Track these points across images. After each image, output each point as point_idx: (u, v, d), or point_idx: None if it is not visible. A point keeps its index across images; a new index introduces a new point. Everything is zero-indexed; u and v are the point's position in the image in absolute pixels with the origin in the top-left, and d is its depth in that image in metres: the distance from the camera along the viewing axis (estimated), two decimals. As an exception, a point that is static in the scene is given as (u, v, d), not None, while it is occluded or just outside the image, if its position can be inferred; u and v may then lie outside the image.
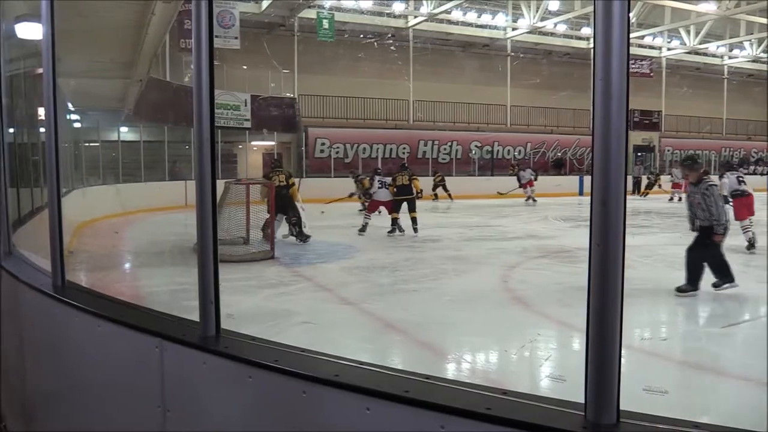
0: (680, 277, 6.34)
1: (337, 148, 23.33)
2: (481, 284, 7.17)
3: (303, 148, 22.79)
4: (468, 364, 4.65)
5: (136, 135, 18.80)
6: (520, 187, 21.31)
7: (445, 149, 25.22)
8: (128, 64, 11.69)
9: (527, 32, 26.02)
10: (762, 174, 25.56)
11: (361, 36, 23.70)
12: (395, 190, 11.16)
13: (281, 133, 22.40)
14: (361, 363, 1.56)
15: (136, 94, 15.53)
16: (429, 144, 24.98)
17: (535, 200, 20.59)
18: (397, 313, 5.86)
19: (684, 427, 1.11)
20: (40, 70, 2.71)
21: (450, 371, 4.45)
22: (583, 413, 1.12)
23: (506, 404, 1.25)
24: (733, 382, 4.22)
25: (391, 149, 24.14)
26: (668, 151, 29.69)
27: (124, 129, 18.86)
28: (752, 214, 9.18)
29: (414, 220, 11.12)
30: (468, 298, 6.53)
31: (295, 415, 1.57)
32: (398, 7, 24.23)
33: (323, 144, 23.20)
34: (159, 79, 17.82)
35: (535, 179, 21.38)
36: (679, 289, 6.28)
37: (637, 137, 28.15)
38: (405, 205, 11.11)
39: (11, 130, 4.61)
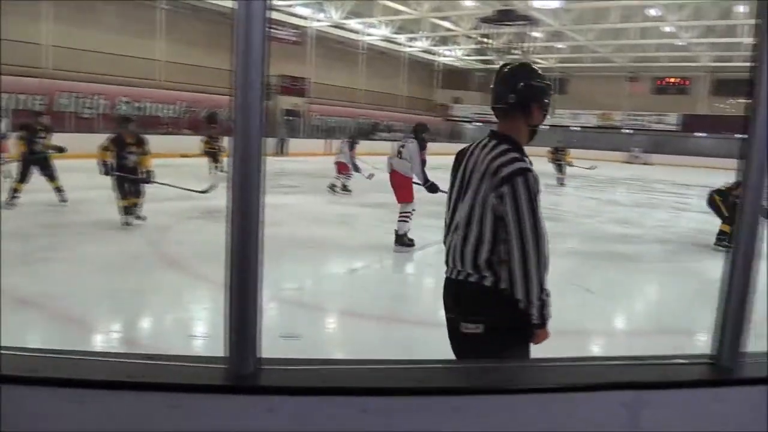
0: (325, 233, 6.93)
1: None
2: (130, 249, 6.80)
3: None
4: (117, 334, 4.41)
5: None
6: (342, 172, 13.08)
7: (88, 103, 22.87)
8: None
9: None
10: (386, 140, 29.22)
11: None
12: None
13: None
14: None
15: None
16: (70, 97, 22.34)
17: (347, 190, 13.14)
18: (34, 286, 5.20)
19: (317, 365, 1.24)
20: None
21: (99, 343, 4.17)
22: (226, 366, 1.16)
23: (150, 369, 1.22)
24: (363, 320, 4.83)
25: (21, 100, 20.88)
26: (314, 116, 31.95)
27: None
28: None
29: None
30: (117, 264, 6.15)
31: None
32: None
33: None
34: None
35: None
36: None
37: (287, 102, 29.59)
38: None
39: None
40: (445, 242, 2.20)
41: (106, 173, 7.75)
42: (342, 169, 12.92)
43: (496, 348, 1.99)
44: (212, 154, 14.82)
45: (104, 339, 4.29)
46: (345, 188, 13.05)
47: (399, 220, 7.22)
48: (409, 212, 7.22)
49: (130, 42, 23.98)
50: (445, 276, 2.19)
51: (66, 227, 7.84)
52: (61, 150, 9.28)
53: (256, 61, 1.16)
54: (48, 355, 1.32)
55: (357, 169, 12.93)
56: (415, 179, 7.22)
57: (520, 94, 2.04)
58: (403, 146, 7.27)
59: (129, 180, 7.85)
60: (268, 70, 1.17)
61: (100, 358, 1.34)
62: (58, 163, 9.40)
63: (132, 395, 1.16)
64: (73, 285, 5.33)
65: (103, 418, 1.15)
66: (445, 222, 2.22)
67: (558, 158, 17.45)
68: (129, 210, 7.82)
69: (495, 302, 2.01)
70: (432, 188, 7.03)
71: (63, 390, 1.17)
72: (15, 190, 8.87)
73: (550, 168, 16.86)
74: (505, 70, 2.13)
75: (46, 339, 4.22)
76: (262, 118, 1.15)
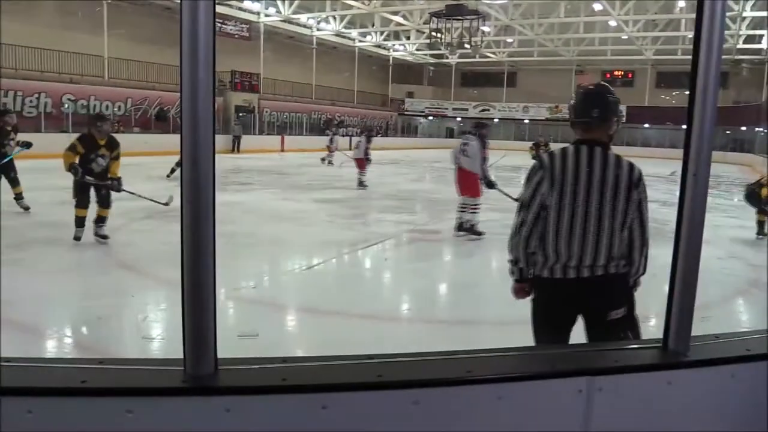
0: (281, 230, 6.84)
1: None
2: (84, 252, 6.61)
3: None
4: (70, 339, 4.28)
5: None
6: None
7: (31, 101, 22.04)
8: None
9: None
10: (346, 135, 29.03)
11: None
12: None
13: None
14: None
15: None
16: (11, 94, 21.48)
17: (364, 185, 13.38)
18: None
19: (273, 364, 1.23)
20: None
21: (50, 349, 4.04)
22: (182, 368, 1.14)
23: (105, 374, 1.19)
24: (322, 316, 4.81)
25: (-43, 99, 20.04)
26: (267, 112, 31.57)
27: None
28: None
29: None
30: (68, 268, 5.99)
31: None
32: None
33: None
34: None
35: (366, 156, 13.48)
36: None
37: (238, 98, 29.17)
38: None
39: None
40: (552, 245, 2.33)
41: (81, 177, 6.65)
42: (361, 165, 13.30)
43: (634, 323, 2.39)
44: None
45: (56, 345, 4.16)
46: (362, 184, 13.29)
47: (470, 212, 7.86)
48: (479, 205, 7.94)
49: (73, 38, 23.24)
50: (561, 276, 2.32)
51: (15, 230, 7.57)
52: (28, 145, 8.88)
53: (203, 56, 1.14)
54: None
55: (370, 161, 13.46)
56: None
57: (605, 109, 2.37)
58: (466, 144, 7.80)
59: (95, 186, 6.79)
60: (217, 65, 1.16)
61: (50, 365, 1.30)
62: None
63: (86, 401, 1.13)
64: (23, 290, 5.14)
65: (56, 426, 1.11)
66: (525, 224, 2.36)
67: (540, 153, 17.92)
68: (80, 222, 6.81)
69: (627, 284, 2.37)
70: (490, 184, 7.84)
71: (12, 399, 1.13)
72: None
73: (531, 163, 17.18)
74: (588, 89, 2.48)
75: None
76: (212, 116, 1.14)
